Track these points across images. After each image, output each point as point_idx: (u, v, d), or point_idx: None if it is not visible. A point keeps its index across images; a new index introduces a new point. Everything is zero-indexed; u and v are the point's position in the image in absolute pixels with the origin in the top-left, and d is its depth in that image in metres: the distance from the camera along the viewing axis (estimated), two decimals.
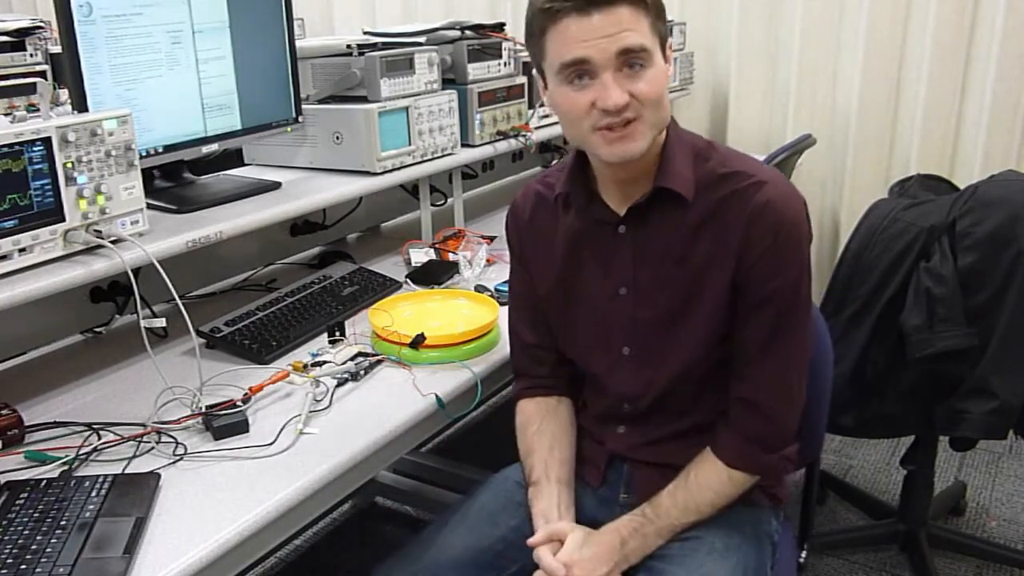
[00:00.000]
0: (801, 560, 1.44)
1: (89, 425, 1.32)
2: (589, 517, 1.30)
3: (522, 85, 2.29)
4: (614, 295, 1.28)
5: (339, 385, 1.42)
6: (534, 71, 1.26)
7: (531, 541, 1.24)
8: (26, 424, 1.31)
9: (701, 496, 1.25)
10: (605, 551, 1.22)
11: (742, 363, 1.24)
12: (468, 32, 2.19)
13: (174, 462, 1.22)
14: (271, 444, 1.25)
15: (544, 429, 1.36)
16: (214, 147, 1.72)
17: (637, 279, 1.26)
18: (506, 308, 1.47)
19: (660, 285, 1.25)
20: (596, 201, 1.28)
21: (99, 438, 1.29)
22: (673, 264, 1.23)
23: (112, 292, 1.68)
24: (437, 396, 1.38)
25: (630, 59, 1.12)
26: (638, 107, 1.14)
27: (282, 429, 1.28)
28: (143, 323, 1.38)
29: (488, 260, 1.97)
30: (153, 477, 1.17)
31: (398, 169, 1.94)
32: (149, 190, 1.56)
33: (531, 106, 2.35)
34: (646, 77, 1.13)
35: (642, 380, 1.29)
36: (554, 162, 2.91)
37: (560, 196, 1.31)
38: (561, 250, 1.33)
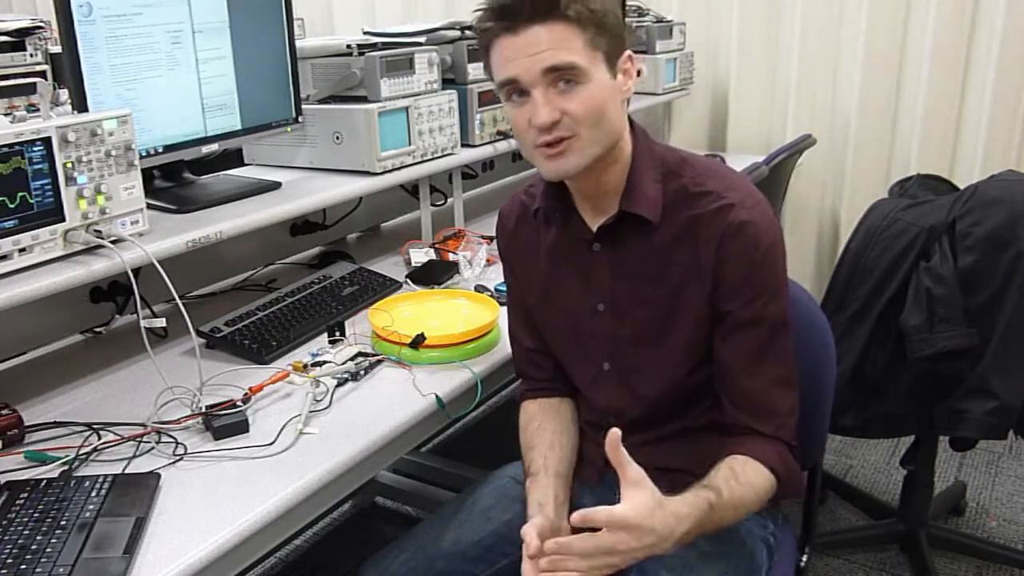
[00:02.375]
0: (802, 564, 1.43)
1: (89, 425, 1.32)
2: None
3: None
4: (593, 310, 1.28)
5: (339, 385, 1.42)
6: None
7: (524, 530, 1.17)
8: (26, 424, 1.31)
9: (751, 494, 1.16)
10: (665, 529, 1.04)
11: (735, 387, 1.22)
12: (468, 32, 2.19)
13: (174, 462, 1.22)
14: (271, 444, 1.25)
15: (546, 427, 1.37)
16: (214, 147, 1.72)
17: (615, 296, 1.26)
18: (506, 308, 1.47)
19: (637, 303, 1.25)
20: (574, 217, 1.27)
21: (99, 438, 1.29)
22: (648, 283, 1.23)
23: (112, 292, 1.68)
24: (437, 396, 1.38)
25: (560, 76, 1.11)
26: (572, 124, 1.12)
27: (282, 429, 1.28)
28: (143, 323, 1.38)
29: (488, 260, 1.97)
30: (153, 477, 1.17)
31: (398, 169, 1.94)
32: (149, 190, 1.56)
33: None
34: (579, 95, 1.11)
35: (624, 396, 1.30)
36: None
37: (539, 210, 1.31)
38: (544, 262, 1.33)
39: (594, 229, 1.25)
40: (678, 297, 1.21)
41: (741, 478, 1.17)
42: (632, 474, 1.05)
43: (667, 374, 1.25)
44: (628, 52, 1.17)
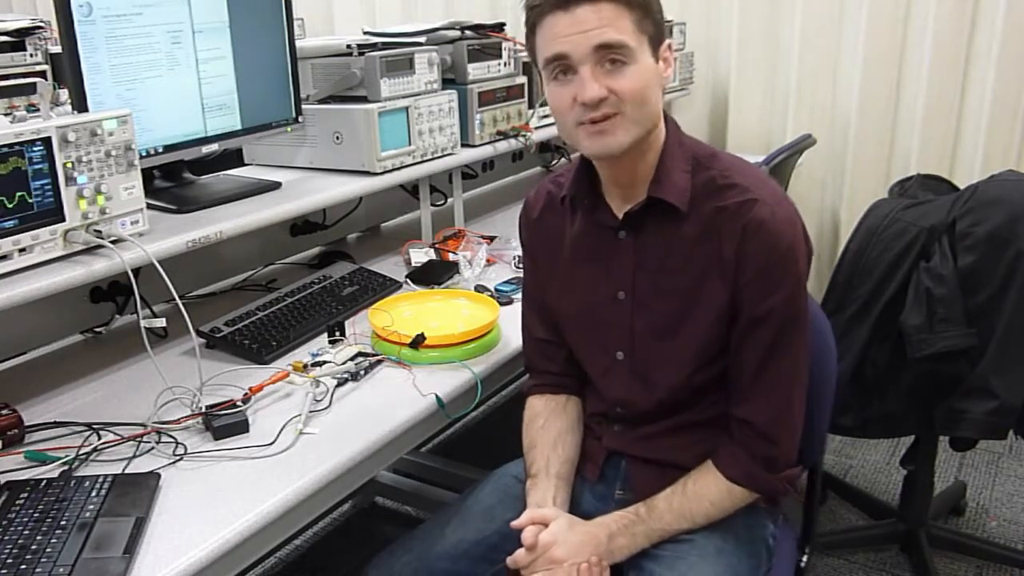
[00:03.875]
0: (802, 564, 1.43)
1: (89, 425, 1.32)
2: (584, 511, 1.31)
3: (522, 85, 2.29)
4: (613, 299, 1.29)
5: (339, 385, 1.42)
6: (536, 70, 1.27)
7: (515, 523, 1.24)
8: (26, 424, 1.31)
9: (698, 505, 1.25)
10: (590, 540, 1.22)
11: (741, 383, 1.24)
12: (468, 32, 2.19)
13: (174, 462, 1.22)
14: (271, 444, 1.25)
15: (550, 425, 1.37)
16: (214, 147, 1.72)
17: (636, 285, 1.27)
18: (506, 308, 1.48)
19: (657, 293, 1.25)
20: (601, 205, 1.28)
21: (99, 438, 1.29)
22: (671, 274, 1.24)
23: (112, 292, 1.68)
24: (437, 396, 1.38)
25: (609, 55, 1.13)
26: (617, 103, 1.14)
27: (282, 429, 1.28)
28: (143, 323, 1.38)
29: (488, 260, 1.97)
30: (153, 477, 1.17)
31: (398, 169, 1.94)
32: (149, 190, 1.56)
33: (531, 106, 2.35)
34: (627, 74, 1.13)
35: (635, 387, 1.30)
36: (554, 162, 2.92)
37: (567, 197, 1.32)
38: (567, 250, 1.33)
39: (620, 216, 1.26)
40: (699, 290, 1.22)
41: (689, 489, 1.25)
42: (543, 516, 1.25)
43: (680, 368, 1.26)
44: (668, 41, 1.19)
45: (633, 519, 1.24)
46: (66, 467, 1.21)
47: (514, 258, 1.98)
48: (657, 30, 1.17)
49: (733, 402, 1.26)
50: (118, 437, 1.28)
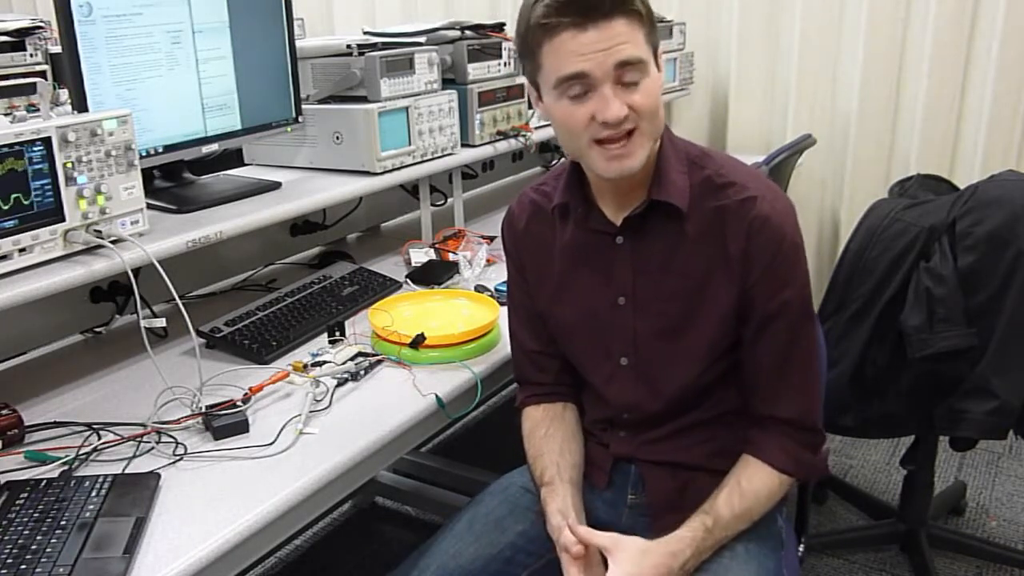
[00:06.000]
0: (800, 553, 1.45)
1: (89, 425, 1.32)
2: (596, 520, 1.29)
3: (522, 85, 2.29)
4: (613, 305, 1.28)
5: (339, 385, 1.42)
6: (526, 82, 1.25)
7: (567, 539, 1.20)
8: (26, 424, 1.31)
9: (755, 504, 1.23)
10: (663, 572, 1.17)
11: (763, 380, 1.24)
12: (468, 32, 2.19)
13: (174, 462, 1.22)
14: (271, 444, 1.25)
15: (553, 433, 1.36)
16: (214, 147, 1.72)
17: (636, 289, 1.26)
18: (505, 308, 1.47)
19: (660, 296, 1.25)
20: (594, 211, 1.28)
21: (99, 438, 1.29)
22: (673, 275, 1.23)
23: (112, 292, 1.68)
24: (437, 396, 1.38)
25: (627, 71, 1.12)
26: (636, 118, 1.14)
27: (282, 429, 1.28)
28: (143, 323, 1.38)
29: (488, 260, 1.97)
30: (153, 477, 1.17)
31: (398, 169, 1.95)
32: (149, 190, 1.56)
33: (531, 106, 2.35)
34: (642, 88, 1.14)
35: (641, 391, 1.29)
36: (554, 162, 2.92)
37: (557, 207, 1.31)
38: (559, 260, 1.32)
39: (618, 222, 1.25)
40: (703, 289, 1.22)
41: (746, 489, 1.23)
42: (607, 542, 1.19)
43: (686, 369, 1.26)
44: (660, 48, 1.20)
45: (703, 536, 1.20)
46: (66, 467, 1.21)
47: None
48: (657, 39, 1.18)
49: (760, 400, 1.26)
50: (118, 437, 1.28)
